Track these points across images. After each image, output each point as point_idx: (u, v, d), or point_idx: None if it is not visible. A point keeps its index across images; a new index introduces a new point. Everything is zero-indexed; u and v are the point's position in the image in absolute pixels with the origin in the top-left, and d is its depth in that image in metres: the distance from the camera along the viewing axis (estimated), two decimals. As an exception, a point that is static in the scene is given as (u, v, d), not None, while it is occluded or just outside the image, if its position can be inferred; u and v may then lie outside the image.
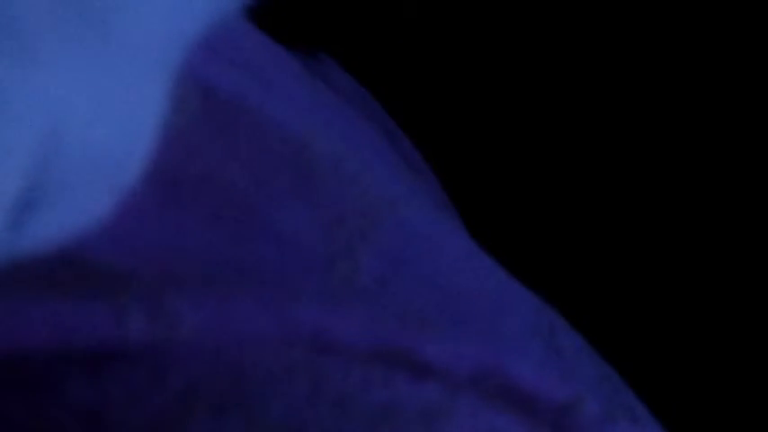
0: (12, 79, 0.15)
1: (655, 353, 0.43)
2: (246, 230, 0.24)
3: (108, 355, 0.22)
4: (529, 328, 0.28)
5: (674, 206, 0.45)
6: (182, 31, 0.18)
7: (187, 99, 0.25)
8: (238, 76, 0.27)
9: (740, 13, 0.45)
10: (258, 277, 0.24)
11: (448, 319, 0.26)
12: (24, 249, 0.17)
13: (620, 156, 0.46)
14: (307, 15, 0.41)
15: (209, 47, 0.20)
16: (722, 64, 0.45)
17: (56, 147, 0.16)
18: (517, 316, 0.28)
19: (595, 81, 0.46)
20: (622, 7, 0.45)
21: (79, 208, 0.18)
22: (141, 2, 0.16)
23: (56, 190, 0.17)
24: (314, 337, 0.23)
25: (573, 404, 0.25)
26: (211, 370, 0.22)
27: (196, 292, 0.22)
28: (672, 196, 0.45)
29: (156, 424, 0.21)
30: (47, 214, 0.17)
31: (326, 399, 0.23)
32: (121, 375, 0.22)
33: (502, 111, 0.46)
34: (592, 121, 0.46)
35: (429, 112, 0.43)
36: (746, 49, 0.45)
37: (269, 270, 0.25)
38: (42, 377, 0.21)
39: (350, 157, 0.28)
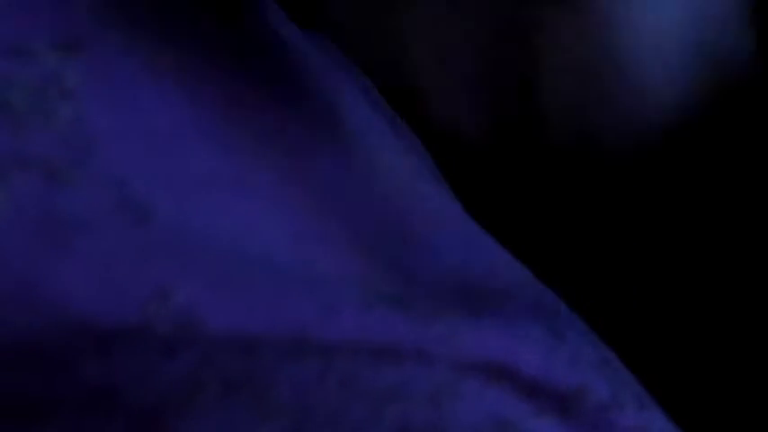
0: None
1: (655, 338, 0.43)
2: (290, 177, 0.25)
3: (120, 332, 0.22)
4: (531, 312, 0.28)
5: (675, 202, 0.45)
6: None
7: None
8: None
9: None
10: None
11: (455, 301, 0.26)
12: None
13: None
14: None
15: None
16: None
17: None
18: (519, 299, 0.28)
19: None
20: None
21: None
22: None
23: None
24: (324, 326, 0.23)
25: (581, 390, 0.25)
26: (222, 347, 0.22)
27: (220, 291, 0.22)
28: (673, 193, 0.46)
29: (167, 399, 0.21)
30: None
31: (335, 379, 0.23)
32: (133, 351, 0.21)
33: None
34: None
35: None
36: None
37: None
38: (55, 354, 0.21)
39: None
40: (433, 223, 0.28)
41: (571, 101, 0.29)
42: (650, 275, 0.46)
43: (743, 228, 0.43)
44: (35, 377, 0.21)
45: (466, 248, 0.28)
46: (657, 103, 0.29)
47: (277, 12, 0.28)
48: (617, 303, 0.42)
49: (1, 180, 0.21)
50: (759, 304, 0.44)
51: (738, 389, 0.43)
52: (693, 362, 0.44)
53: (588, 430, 0.26)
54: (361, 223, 0.26)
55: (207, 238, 0.22)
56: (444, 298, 0.26)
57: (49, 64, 0.22)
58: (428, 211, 0.28)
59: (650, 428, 0.26)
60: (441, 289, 0.26)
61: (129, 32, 0.24)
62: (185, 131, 0.24)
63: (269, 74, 0.27)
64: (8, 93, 0.22)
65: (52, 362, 0.21)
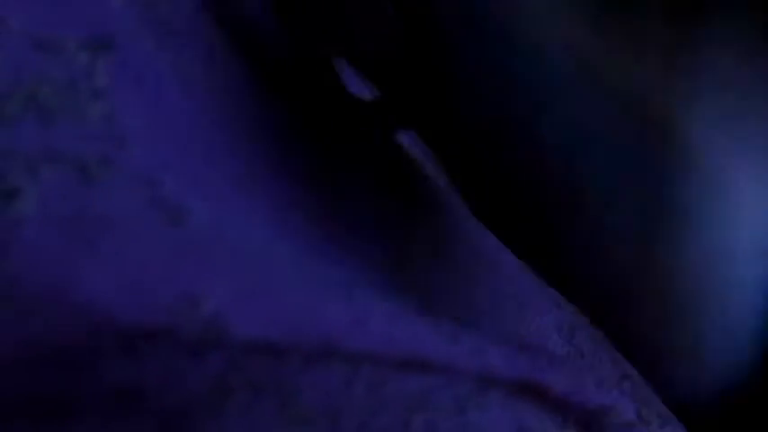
0: None
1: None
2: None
3: (147, 333, 0.21)
4: (550, 326, 0.27)
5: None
6: None
7: None
8: None
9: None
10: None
11: (479, 315, 0.26)
12: None
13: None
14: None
15: None
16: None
17: None
18: (538, 313, 0.28)
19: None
20: None
21: None
22: None
23: None
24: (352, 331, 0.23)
25: (607, 407, 0.25)
26: (249, 350, 0.22)
27: (249, 299, 0.22)
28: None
29: (196, 402, 0.21)
30: None
31: (361, 384, 0.22)
32: (160, 353, 0.21)
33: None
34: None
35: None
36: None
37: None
38: (81, 354, 0.21)
39: None
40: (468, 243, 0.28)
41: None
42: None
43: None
44: (61, 377, 0.20)
45: (491, 261, 0.28)
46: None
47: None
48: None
49: (31, 175, 0.20)
50: None
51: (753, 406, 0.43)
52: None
53: None
54: (391, 237, 0.26)
55: (239, 243, 0.22)
56: (471, 314, 0.26)
57: (80, 61, 0.22)
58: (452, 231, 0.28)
59: None
60: (468, 305, 0.26)
61: (160, 31, 0.23)
62: (215, 134, 0.23)
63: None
64: (38, 88, 0.21)
65: (78, 362, 0.21)
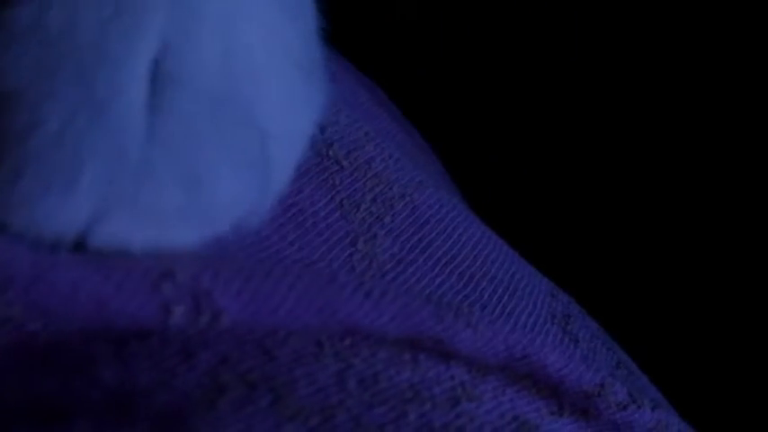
0: None
1: (663, 338, 0.43)
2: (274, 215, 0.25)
3: (138, 334, 0.21)
4: (544, 314, 0.27)
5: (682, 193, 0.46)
6: None
7: None
8: None
9: (740, 13, 0.45)
10: (288, 259, 0.24)
11: (469, 304, 0.26)
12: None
13: (627, 143, 0.46)
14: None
15: None
16: (723, 64, 0.45)
17: None
18: (532, 302, 0.28)
19: (596, 76, 0.46)
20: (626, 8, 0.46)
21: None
22: None
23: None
24: (346, 326, 0.23)
25: (600, 389, 0.25)
26: (240, 348, 0.22)
27: (236, 284, 0.22)
28: (678, 184, 0.46)
29: (189, 402, 0.21)
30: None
31: (354, 379, 0.22)
32: (151, 353, 0.21)
33: (505, 103, 0.46)
34: (593, 112, 0.46)
35: (427, 107, 0.43)
36: (746, 50, 0.45)
37: (295, 251, 0.25)
38: (74, 355, 0.21)
39: (364, 144, 0.28)
40: (449, 234, 0.28)
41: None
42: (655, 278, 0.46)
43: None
44: (52, 380, 0.21)
45: (479, 252, 0.28)
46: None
47: None
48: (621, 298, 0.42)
49: None
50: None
51: (742, 391, 0.43)
52: (698, 363, 0.44)
53: (609, 430, 0.25)
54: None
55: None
56: (459, 299, 0.26)
57: None
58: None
59: (669, 428, 0.26)
60: (453, 290, 0.26)
61: None
62: None
63: None
64: None
65: (69, 365, 0.21)
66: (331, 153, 0.27)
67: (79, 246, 0.22)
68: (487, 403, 0.24)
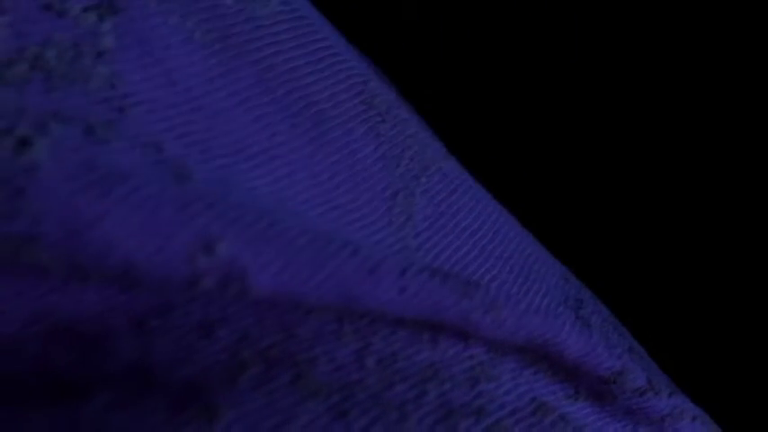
0: None
1: (669, 324, 0.43)
2: (322, 148, 0.24)
3: (156, 309, 0.21)
4: (558, 298, 0.27)
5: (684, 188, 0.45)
6: None
7: None
8: None
9: (740, 13, 0.45)
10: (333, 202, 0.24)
11: (488, 280, 0.25)
12: None
13: (627, 143, 0.46)
14: None
15: None
16: (723, 64, 0.45)
17: None
18: (546, 284, 0.27)
19: (597, 77, 0.46)
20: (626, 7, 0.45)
21: None
22: None
23: None
24: (365, 303, 0.23)
25: (619, 373, 0.25)
26: (260, 324, 0.21)
27: (270, 256, 0.21)
28: (680, 180, 0.46)
29: (208, 378, 0.20)
30: None
31: (373, 358, 0.22)
32: (170, 328, 0.21)
33: (505, 101, 0.46)
34: (593, 112, 0.46)
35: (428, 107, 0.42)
36: (746, 50, 0.45)
37: (341, 193, 0.24)
38: (90, 332, 0.20)
39: (399, 105, 0.28)
40: (476, 206, 0.27)
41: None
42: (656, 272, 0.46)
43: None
44: (70, 355, 0.20)
45: (500, 229, 0.27)
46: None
47: None
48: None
49: (41, 129, 0.20)
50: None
51: (741, 384, 0.43)
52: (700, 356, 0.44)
53: (624, 415, 0.25)
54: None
55: (246, 199, 0.21)
56: (487, 269, 0.26)
57: (84, 23, 0.21)
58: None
59: (684, 414, 0.26)
60: (476, 264, 0.26)
61: None
62: (220, 98, 0.23)
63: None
64: (43, 51, 0.21)
65: (86, 340, 0.20)
66: (376, 103, 0.27)
67: None
68: (506, 384, 0.24)
